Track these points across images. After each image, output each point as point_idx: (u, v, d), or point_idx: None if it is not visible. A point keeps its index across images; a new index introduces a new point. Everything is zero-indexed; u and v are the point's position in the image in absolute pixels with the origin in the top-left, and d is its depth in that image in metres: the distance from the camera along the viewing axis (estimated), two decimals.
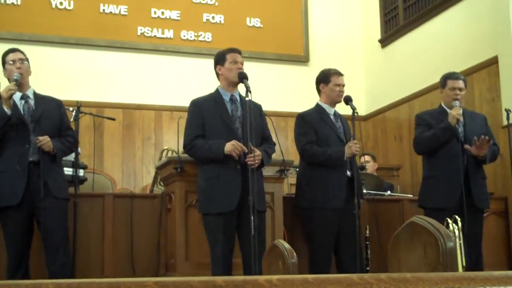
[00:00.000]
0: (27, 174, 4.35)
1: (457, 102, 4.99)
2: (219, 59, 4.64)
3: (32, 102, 4.52)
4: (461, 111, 4.95)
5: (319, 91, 5.14)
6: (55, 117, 4.61)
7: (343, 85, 5.10)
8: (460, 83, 5.08)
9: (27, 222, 4.39)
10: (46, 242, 4.40)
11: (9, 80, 4.51)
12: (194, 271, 4.66)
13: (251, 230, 4.04)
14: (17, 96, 4.44)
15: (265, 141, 4.66)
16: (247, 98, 4.31)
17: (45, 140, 4.40)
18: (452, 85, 5.07)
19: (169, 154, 6.15)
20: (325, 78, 5.10)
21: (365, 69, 9.19)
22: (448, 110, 4.99)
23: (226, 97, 4.59)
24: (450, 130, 4.90)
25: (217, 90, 4.66)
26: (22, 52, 4.62)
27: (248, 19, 8.85)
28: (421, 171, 5.42)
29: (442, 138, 4.96)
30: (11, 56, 4.52)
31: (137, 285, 1.00)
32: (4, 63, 4.55)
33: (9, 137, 4.35)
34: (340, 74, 5.12)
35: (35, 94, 4.58)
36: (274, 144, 4.75)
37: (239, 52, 4.67)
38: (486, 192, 5.14)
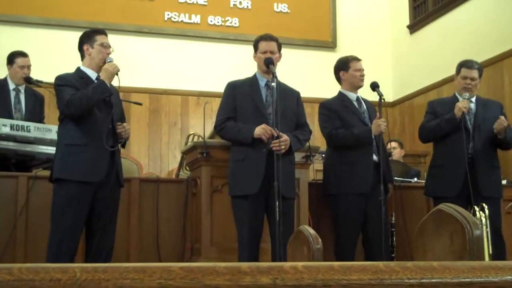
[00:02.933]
0: (109, 154, 4.29)
1: (467, 94, 4.96)
2: (254, 46, 4.66)
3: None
4: (467, 104, 4.90)
5: (339, 79, 5.12)
6: (119, 104, 4.60)
7: (363, 70, 5.07)
8: (473, 73, 5.03)
9: (91, 202, 4.25)
10: (100, 226, 4.28)
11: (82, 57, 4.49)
12: (219, 255, 4.68)
13: (276, 216, 4.05)
14: (94, 76, 4.39)
15: (299, 127, 4.65)
16: (273, 84, 4.31)
17: (127, 127, 4.42)
18: (464, 73, 5.05)
19: (195, 139, 6.17)
20: (344, 65, 5.08)
21: (393, 55, 9.12)
22: (460, 99, 4.97)
23: (262, 82, 4.59)
24: (454, 121, 4.88)
25: (254, 75, 4.66)
26: None
27: (275, 4, 8.83)
28: None
29: (446, 129, 4.97)
30: (104, 39, 4.44)
31: (162, 270, 1.00)
32: (93, 40, 4.43)
33: (93, 114, 4.28)
34: (358, 59, 5.10)
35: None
36: (310, 132, 4.73)
37: (270, 39, 4.63)
38: (497, 180, 5.06)
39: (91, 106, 4.22)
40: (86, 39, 4.43)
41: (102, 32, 4.50)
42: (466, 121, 4.94)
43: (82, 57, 4.46)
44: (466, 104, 4.89)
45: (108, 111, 4.34)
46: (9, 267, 0.96)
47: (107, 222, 4.32)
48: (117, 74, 4.33)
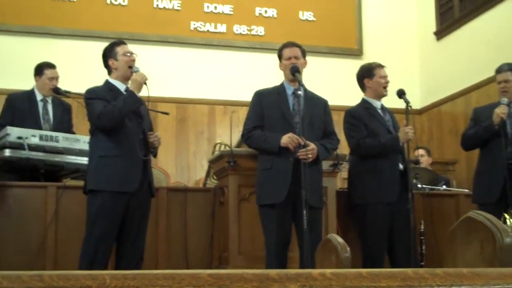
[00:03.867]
0: (142, 164, 4.34)
1: (505, 99, 4.94)
2: (278, 55, 4.66)
3: None
4: (506, 109, 4.86)
5: (363, 86, 5.09)
6: (147, 114, 4.64)
7: (387, 76, 5.05)
8: (505, 75, 5.05)
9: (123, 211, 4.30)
10: (131, 235, 4.33)
11: (109, 70, 4.54)
12: (247, 264, 4.67)
13: (303, 224, 4.04)
14: (122, 87, 4.46)
15: (327, 136, 4.64)
16: (299, 92, 4.31)
17: (159, 136, 4.49)
18: (498, 78, 5.13)
19: (222, 148, 6.18)
20: (368, 73, 5.06)
21: (420, 62, 9.06)
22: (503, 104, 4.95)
23: (289, 90, 4.58)
24: (491, 128, 4.85)
25: (282, 84, 4.66)
26: None
27: (301, 12, 8.82)
28: None
29: (484, 136, 4.96)
30: (124, 48, 4.49)
31: (191, 277, 1.00)
32: (115, 53, 4.48)
33: (124, 124, 4.33)
34: (382, 66, 5.07)
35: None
36: (338, 141, 4.71)
37: (293, 45, 4.64)
38: None
39: (123, 118, 4.27)
40: (109, 54, 4.50)
41: (121, 42, 4.57)
42: (506, 126, 4.90)
43: (109, 72, 4.53)
44: (504, 109, 4.85)
45: (138, 121, 4.39)
46: (40, 274, 0.97)
47: (138, 231, 4.37)
48: (145, 83, 4.36)
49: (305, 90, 4.39)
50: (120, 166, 4.26)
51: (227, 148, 5.22)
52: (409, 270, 1.09)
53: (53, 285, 0.96)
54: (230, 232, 4.80)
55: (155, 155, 4.60)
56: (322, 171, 4.63)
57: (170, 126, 8.02)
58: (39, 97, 5.66)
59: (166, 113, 6.46)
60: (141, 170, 4.33)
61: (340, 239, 2.47)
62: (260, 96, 4.64)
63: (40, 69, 5.71)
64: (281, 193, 4.30)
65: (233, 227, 4.80)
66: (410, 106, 4.91)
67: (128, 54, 4.48)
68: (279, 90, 4.62)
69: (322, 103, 4.70)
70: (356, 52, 8.86)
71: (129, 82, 4.42)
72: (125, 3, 8.20)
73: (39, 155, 5.05)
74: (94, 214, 4.25)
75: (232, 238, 4.79)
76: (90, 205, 4.30)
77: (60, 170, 5.30)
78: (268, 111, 4.54)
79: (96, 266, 4.08)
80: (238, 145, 5.02)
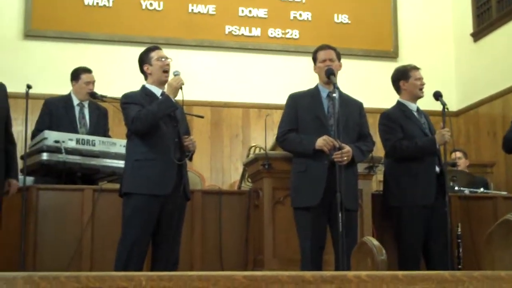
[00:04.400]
0: (177, 167, 4.37)
1: None
2: (313, 58, 4.66)
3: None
4: None
5: (398, 88, 5.06)
6: (184, 118, 4.69)
7: (423, 79, 5.00)
8: None
9: (158, 214, 4.33)
10: (166, 238, 4.37)
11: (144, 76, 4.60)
12: (282, 267, 4.66)
13: (338, 227, 4.03)
14: (158, 92, 4.49)
15: (362, 138, 4.61)
16: (334, 95, 4.29)
17: (194, 140, 4.52)
18: None
19: (257, 151, 6.18)
20: (404, 75, 5.02)
21: (457, 64, 8.96)
22: None
23: (324, 93, 4.57)
24: None
25: (316, 86, 4.65)
26: None
27: (335, 15, 8.79)
28: None
29: None
30: (158, 53, 4.53)
31: (226, 279, 1.00)
32: (149, 58, 4.53)
33: (160, 128, 4.37)
34: (417, 68, 5.04)
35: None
36: (373, 143, 4.69)
37: (328, 48, 4.63)
38: None
39: (157, 122, 4.31)
40: (144, 59, 4.55)
41: (155, 48, 4.60)
42: None
43: (146, 77, 4.57)
44: None
45: (174, 125, 4.42)
46: (77, 275, 0.98)
47: (174, 234, 4.39)
48: (181, 88, 4.39)
49: (340, 93, 4.38)
50: (154, 170, 4.30)
51: (262, 151, 5.22)
52: (446, 273, 1.07)
53: (90, 286, 0.97)
54: (265, 235, 4.79)
55: (190, 159, 4.62)
56: (358, 174, 4.61)
57: (205, 130, 8.05)
58: (75, 101, 5.73)
59: (201, 117, 6.49)
60: (176, 174, 4.35)
61: (375, 242, 2.45)
62: (295, 99, 4.64)
63: (77, 74, 5.77)
64: (316, 196, 4.28)
65: (267, 230, 4.79)
66: (447, 108, 4.87)
67: (163, 59, 4.52)
68: (313, 93, 4.60)
69: (357, 105, 4.68)
70: (391, 55, 8.80)
71: (165, 86, 4.46)
72: (161, 8, 8.27)
73: (76, 158, 5.11)
74: (129, 216, 4.30)
75: (267, 241, 4.79)
76: (125, 207, 4.35)
77: (96, 174, 5.36)
78: (303, 114, 4.53)
79: (130, 269, 4.12)
80: (273, 148, 5.02)
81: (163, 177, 4.30)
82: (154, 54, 4.52)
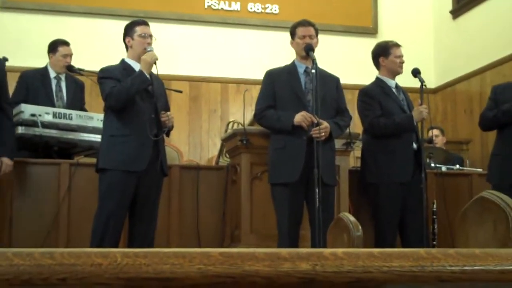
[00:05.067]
0: (153, 143, 4.34)
1: None
2: (291, 33, 4.64)
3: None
4: None
5: (377, 64, 5.05)
6: (163, 94, 4.68)
7: (403, 56, 5.00)
8: None
9: (134, 189, 4.32)
10: (143, 214, 4.37)
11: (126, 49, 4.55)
12: (259, 242, 4.69)
13: (315, 203, 4.04)
14: (137, 67, 4.40)
15: (340, 114, 4.62)
16: (313, 71, 4.29)
17: (171, 116, 4.46)
18: None
19: (235, 126, 6.18)
20: (384, 51, 5.01)
21: (435, 41, 8.99)
22: None
23: (301, 69, 4.57)
24: (510, 113, 4.74)
25: (293, 62, 4.64)
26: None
27: None
28: (491, 145, 5.29)
29: (502, 119, 4.81)
30: (144, 29, 4.47)
31: (202, 256, 1.00)
32: (133, 32, 4.47)
33: (136, 104, 4.33)
34: (398, 45, 5.03)
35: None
36: (350, 118, 4.70)
37: (309, 24, 4.61)
38: None
39: (131, 97, 4.27)
40: (128, 31, 4.50)
41: (142, 22, 4.53)
42: None
43: (127, 49, 4.52)
44: None
45: (150, 100, 4.38)
46: (51, 252, 0.98)
47: (150, 210, 4.39)
48: (155, 63, 4.35)
49: (317, 68, 4.38)
50: (129, 146, 4.28)
51: (240, 126, 5.22)
52: (421, 250, 1.08)
53: (64, 262, 0.97)
54: (242, 210, 4.81)
55: (168, 135, 4.60)
56: (335, 149, 4.62)
57: (183, 104, 8.02)
58: (52, 74, 5.67)
59: (180, 91, 6.45)
60: (152, 150, 4.33)
61: (352, 218, 2.46)
62: (272, 75, 4.62)
63: (54, 46, 5.71)
64: (295, 172, 4.30)
65: (245, 206, 4.81)
66: (425, 85, 4.88)
67: (144, 35, 4.46)
68: (290, 69, 4.59)
69: (334, 80, 4.68)
70: (371, 31, 8.80)
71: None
72: None
73: (53, 132, 5.07)
74: (104, 192, 4.30)
75: (244, 216, 4.80)
76: (101, 183, 4.34)
77: (73, 148, 5.33)
78: (280, 91, 4.53)
79: (106, 243, 4.13)
80: (251, 124, 5.02)
81: (138, 153, 4.28)
82: (138, 29, 4.47)
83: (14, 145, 4.66)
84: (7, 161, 4.51)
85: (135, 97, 4.30)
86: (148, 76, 4.33)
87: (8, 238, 4.76)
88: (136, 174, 4.26)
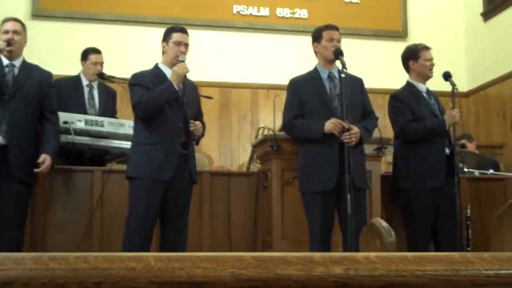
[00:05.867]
0: (178, 152, 4.32)
1: None
2: (316, 37, 4.60)
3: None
4: None
5: (407, 68, 5.01)
6: (196, 100, 4.67)
7: (433, 59, 4.95)
8: None
9: (163, 197, 4.33)
10: (172, 221, 4.38)
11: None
12: (290, 248, 4.67)
13: (347, 209, 4.02)
14: (169, 74, 4.41)
15: (366, 116, 4.59)
16: (342, 75, 4.27)
17: (199, 125, 4.45)
18: None
19: (265, 132, 6.17)
20: (414, 55, 4.97)
21: (467, 44, 8.90)
22: None
23: (324, 74, 4.54)
24: None
25: (315, 68, 4.62)
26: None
27: None
28: None
29: None
30: (179, 37, 4.46)
31: (235, 259, 1.00)
32: (169, 37, 4.47)
33: (164, 112, 4.32)
34: (428, 48, 4.98)
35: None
36: (377, 119, 4.67)
37: (336, 28, 4.60)
38: None
39: (159, 108, 4.29)
40: (165, 36, 4.52)
41: (180, 30, 4.52)
42: None
43: (162, 54, 4.54)
44: None
45: (180, 109, 4.38)
46: (85, 256, 0.98)
47: (179, 218, 4.40)
48: (185, 76, 4.37)
49: (339, 72, 4.35)
50: (156, 155, 4.29)
51: (270, 132, 5.21)
52: (456, 254, 1.07)
53: (99, 266, 0.97)
54: (273, 216, 4.80)
55: (197, 143, 4.60)
56: (365, 153, 4.60)
57: (213, 110, 8.04)
58: (85, 82, 5.73)
59: (210, 98, 6.46)
60: (179, 158, 4.31)
61: (384, 223, 2.44)
62: (296, 84, 4.60)
63: (85, 54, 5.78)
64: (329, 180, 4.26)
65: (276, 211, 4.80)
66: (457, 89, 4.83)
67: (179, 43, 4.46)
68: (313, 76, 4.56)
69: (358, 82, 4.65)
70: (400, 34, 8.74)
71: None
72: None
73: (85, 139, 5.12)
74: (132, 199, 4.33)
75: (275, 222, 4.79)
76: (130, 189, 4.39)
77: (105, 155, 5.37)
78: (307, 99, 4.49)
79: (137, 248, 4.16)
80: (281, 129, 5.01)
81: (164, 163, 4.28)
82: (174, 36, 4.46)
83: (57, 149, 4.67)
84: (48, 160, 4.48)
85: (164, 106, 4.32)
86: (177, 88, 4.34)
87: (43, 244, 4.81)
88: (163, 183, 4.28)
